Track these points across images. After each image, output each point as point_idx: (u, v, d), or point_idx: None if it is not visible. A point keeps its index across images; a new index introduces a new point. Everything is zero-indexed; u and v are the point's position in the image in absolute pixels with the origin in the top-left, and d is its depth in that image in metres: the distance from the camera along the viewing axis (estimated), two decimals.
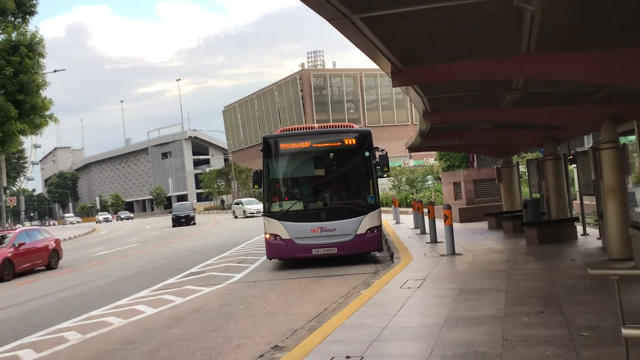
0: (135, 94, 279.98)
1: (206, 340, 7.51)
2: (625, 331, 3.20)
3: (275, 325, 8.03)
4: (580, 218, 14.72)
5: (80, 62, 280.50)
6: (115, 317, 9.69)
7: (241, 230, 32.30)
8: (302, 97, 73.68)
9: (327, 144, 14.12)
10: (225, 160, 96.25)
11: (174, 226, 44.20)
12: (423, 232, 17.81)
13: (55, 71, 38.03)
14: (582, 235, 14.14)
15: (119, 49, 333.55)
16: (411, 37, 6.70)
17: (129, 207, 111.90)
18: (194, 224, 44.52)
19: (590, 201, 15.99)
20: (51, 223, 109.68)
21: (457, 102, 11.58)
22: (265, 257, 14.59)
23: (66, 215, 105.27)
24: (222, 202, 77.67)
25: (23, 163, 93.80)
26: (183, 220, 44.99)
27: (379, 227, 13.55)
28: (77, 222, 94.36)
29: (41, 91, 35.08)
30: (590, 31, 6.69)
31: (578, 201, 15.68)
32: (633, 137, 8.41)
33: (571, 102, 11.06)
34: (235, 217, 49.29)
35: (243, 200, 52.20)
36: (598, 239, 12.87)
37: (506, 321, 6.60)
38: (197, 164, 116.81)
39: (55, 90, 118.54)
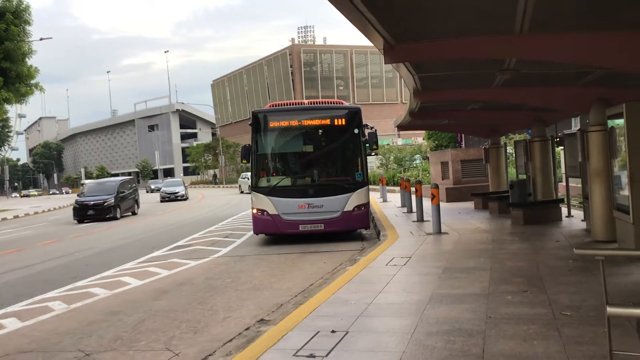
0: (121, 66, 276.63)
1: (192, 313, 7.53)
2: (610, 309, 3.25)
3: (261, 299, 8.06)
4: (565, 200, 14.86)
5: (67, 31, 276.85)
6: (101, 288, 9.67)
7: (228, 205, 32.28)
8: (291, 72, 73.20)
9: (316, 120, 14.03)
10: (213, 134, 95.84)
11: (77, 221, 25.95)
12: (410, 211, 17.89)
13: (41, 39, 37.42)
14: (566, 216, 14.28)
15: (105, 19, 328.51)
16: (405, 12, 6.64)
17: None
18: (118, 216, 26.22)
19: (576, 183, 16.13)
20: (63, 191, 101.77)
21: (448, 81, 11.55)
22: (252, 232, 14.60)
23: (87, 182, 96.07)
24: (215, 176, 76.75)
25: (7, 132, 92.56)
26: (91, 211, 25.69)
27: (366, 205, 13.58)
28: None
29: (27, 59, 34.59)
30: (585, 13, 6.67)
31: (564, 183, 15.81)
32: (621, 121, 8.46)
33: (562, 84, 11.08)
34: (242, 192, 44.92)
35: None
36: (582, 220, 13.01)
37: (490, 299, 6.67)
38: (184, 137, 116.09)
39: (41, 59, 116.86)
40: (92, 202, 26.02)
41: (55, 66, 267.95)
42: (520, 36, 7.28)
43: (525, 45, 7.41)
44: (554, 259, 9.15)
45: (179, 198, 40.54)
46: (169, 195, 40.97)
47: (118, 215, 26.33)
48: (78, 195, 28.52)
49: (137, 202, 29.77)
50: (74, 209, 26.38)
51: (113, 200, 26.24)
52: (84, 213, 25.91)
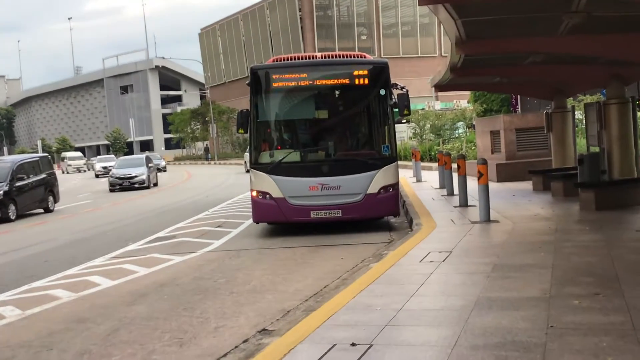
0: (86, 10, 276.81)
1: (177, 321, 7.61)
2: None
3: (263, 304, 8.12)
4: None
5: None
6: (63, 289, 9.78)
7: (221, 186, 32.43)
8: (300, 18, 72.81)
9: (332, 79, 13.98)
10: (202, 97, 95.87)
11: None
12: (450, 193, 17.87)
13: None
14: None
15: None
16: None
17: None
18: (11, 217, 21.86)
19: None
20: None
21: (499, 27, 11.44)
22: (251, 221, 14.67)
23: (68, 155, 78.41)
24: (206, 150, 76.74)
25: None
26: None
27: (395, 186, 13.57)
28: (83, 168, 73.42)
29: None
30: None
31: None
32: None
33: None
34: (248, 171, 44.36)
35: None
36: None
37: (552, 304, 6.67)
38: (166, 101, 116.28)
39: None
40: None
41: (2, 12, 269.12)
42: None
43: None
44: (634, 254, 9.12)
45: (136, 185, 33.75)
46: (120, 182, 33.79)
47: (12, 215, 21.86)
48: None
49: (52, 193, 25.09)
50: None
51: (3, 193, 21.70)
52: None
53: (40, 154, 28.62)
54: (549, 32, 11.47)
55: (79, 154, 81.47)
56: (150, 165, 36.26)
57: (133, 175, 33.96)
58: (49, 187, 24.90)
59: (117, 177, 34.13)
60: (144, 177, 34.14)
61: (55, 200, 25.39)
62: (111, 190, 33.67)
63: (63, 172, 72.08)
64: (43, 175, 24.63)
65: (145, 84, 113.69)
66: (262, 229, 14.71)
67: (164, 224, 17.33)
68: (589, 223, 12.08)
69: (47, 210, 24.26)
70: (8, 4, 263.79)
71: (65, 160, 76.14)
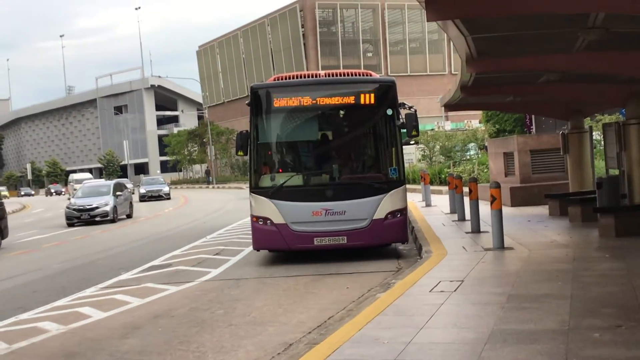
0: (79, 28, 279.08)
1: (172, 355, 7.58)
2: None
3: (264, 337, 8.09)
4: None
5: None
6: (52, 322, 9.75)
7: (220, 211, 32.44)
8: (303, 34, 73.34)
9: (336, 98, 14.02)
10: (200, 117, 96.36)
11: None
12: (462, 219, 17.86)
13: None
14: None
15: None
16: None
17: None
18: None
19: None
20: (52, 190, 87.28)
21: (512, 44, 11.48)
22: (251, 248, 14.65)
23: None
24: (208, 173, 76.91)
25: None
26: None
27: (403, 211, 13.56)
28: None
29: None
30: None
31: None
32: None
33: None
34: None
35: None
36: None
37: (571, 337, 6.64)
38: (161, 122, 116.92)
39: None
40: None
41: None
42: None
43: None
44: None
45: (97, 218, 29.68)
46: (79, 215, 29.69)
47: None
48: None
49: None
50: None
51: None
52: None
53: None
54: (565, 49, 11.51)
55: (88, 175, 74.71)
56: (119, 193, 31.84)
57: (94, 206, 29.82)
58: None
59: (74, 209, 29.90)
60: (108, 208, 29.94)
61: (3, 236, 22.37)
62: (69, 225, 29.46)
63: (70, 198, 65.54)
64: None
65: (140, 104, 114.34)
66: (263, 257, 14.69)
67: (159, 251, 17.31)
68: (609, 250, 12.04)
69: None
70: None
71: (71, 183, 67.62)
